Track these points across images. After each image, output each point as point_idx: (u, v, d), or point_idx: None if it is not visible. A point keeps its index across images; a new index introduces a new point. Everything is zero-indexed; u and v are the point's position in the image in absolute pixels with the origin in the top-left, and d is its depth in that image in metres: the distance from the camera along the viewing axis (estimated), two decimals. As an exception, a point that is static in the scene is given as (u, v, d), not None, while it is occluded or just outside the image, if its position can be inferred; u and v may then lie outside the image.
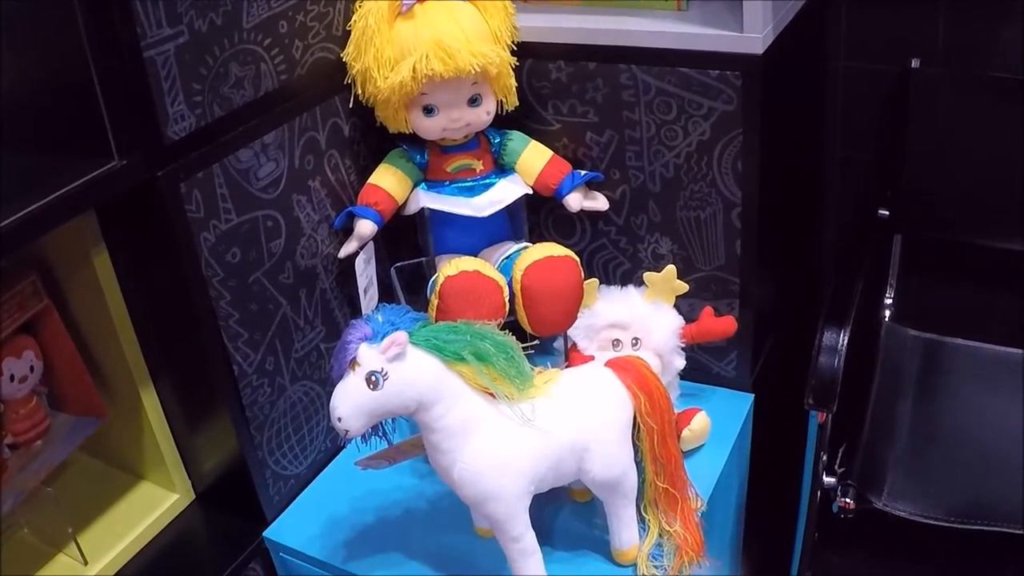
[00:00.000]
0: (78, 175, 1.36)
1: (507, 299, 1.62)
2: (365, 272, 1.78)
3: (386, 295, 1.87)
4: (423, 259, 1.88)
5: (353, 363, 1.36)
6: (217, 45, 1.49)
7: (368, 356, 1.36)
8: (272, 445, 1.74)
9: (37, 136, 1.45)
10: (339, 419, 1.37)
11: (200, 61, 1.47)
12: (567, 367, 1.68)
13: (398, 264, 1.89)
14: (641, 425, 1.51)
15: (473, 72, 1.65)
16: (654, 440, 1.52)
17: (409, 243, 1.90)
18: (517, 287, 1.63)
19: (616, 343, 1.77)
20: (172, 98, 1.44)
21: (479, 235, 1.82)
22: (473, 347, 1.40)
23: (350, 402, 1.36)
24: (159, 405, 1.70)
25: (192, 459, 1.77)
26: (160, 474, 1.77)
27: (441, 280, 1.58)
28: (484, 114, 1.73)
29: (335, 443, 1.88)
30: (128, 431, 1.73)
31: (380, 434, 1.45)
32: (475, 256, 1.74)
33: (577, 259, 1.65)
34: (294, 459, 1.80)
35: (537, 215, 1.92)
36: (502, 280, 1.62)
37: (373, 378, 1.35)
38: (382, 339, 1.36)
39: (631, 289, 1.81)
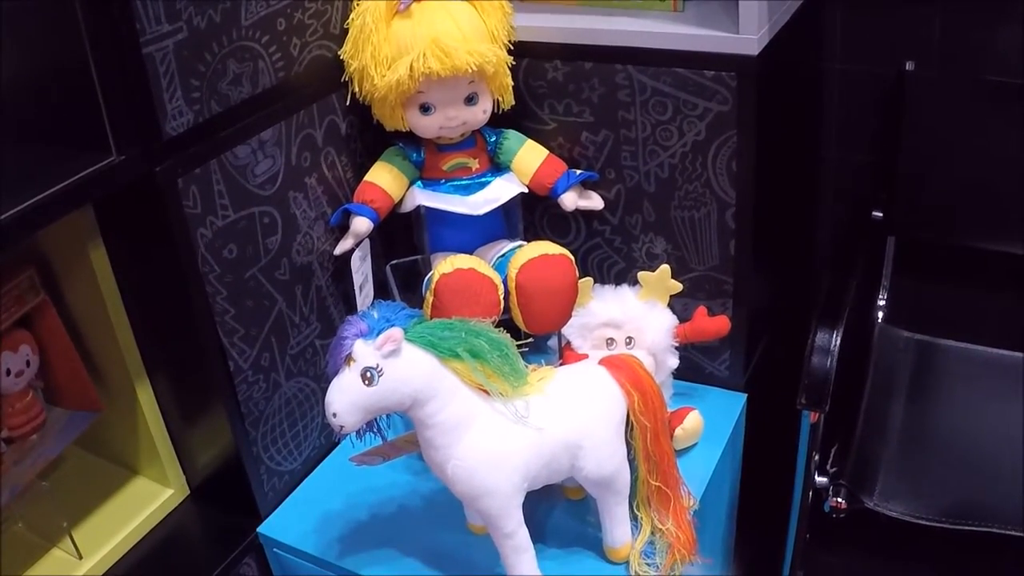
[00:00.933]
0: (76, 170, 1.36)
1: (502, 297, 1.63)
2: (361, 269, 1.79)
3: (381, 292, 1.87)
4: (418, 257, 1.88)
5: (348, 359, 1.37)
6: (216, 42, 1.50)
7: (363, 352, 1.36)
8: (267, 441, 1.75)
9: (36, 130, 1.45)
10: (334, 415, 1.37)
11: (198, 58, 1.48)
12: (561, 365, 1.69)
13: (394, 262, 1.90)
14: (634, 423, 1.52)
15: (470, 71, 1.66)
16: (647, 438, 1.52)
17: (405, 241, 1.91)
18: (512, 285, 1.63)
19: (610, 342, 1.78)
20: (170, 94, 1.44)
21: (474, 233, 1.83)
22: (468, 344, 1.41)
23: (345, 398, 1.37)
24: (154, 400, 1.70)
25: (187, 454, 1.77)
26: (155, 469, 1.77)
27: (436, 277, 1.59)
28: (480, 113, 1.74)
29: (329, 439, 1.89)
30: (123, 426, 1.73)
31: (375, 430, 1.46)
32: (470, 254, 1.75)
33: (572, 257, 1.66)
34: (288, 455, 1.80)
35: (532, 214, 1.93)
36: (497, 278, 1.63)
37: (368, 374, 1.35)
38: (377, 335, 1.36)
39: (625, 288, 1.81)
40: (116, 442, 1.78)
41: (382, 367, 1.36)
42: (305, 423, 1.82)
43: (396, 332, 1.37)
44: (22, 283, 1.57)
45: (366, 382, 1.36)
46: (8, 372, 1.58)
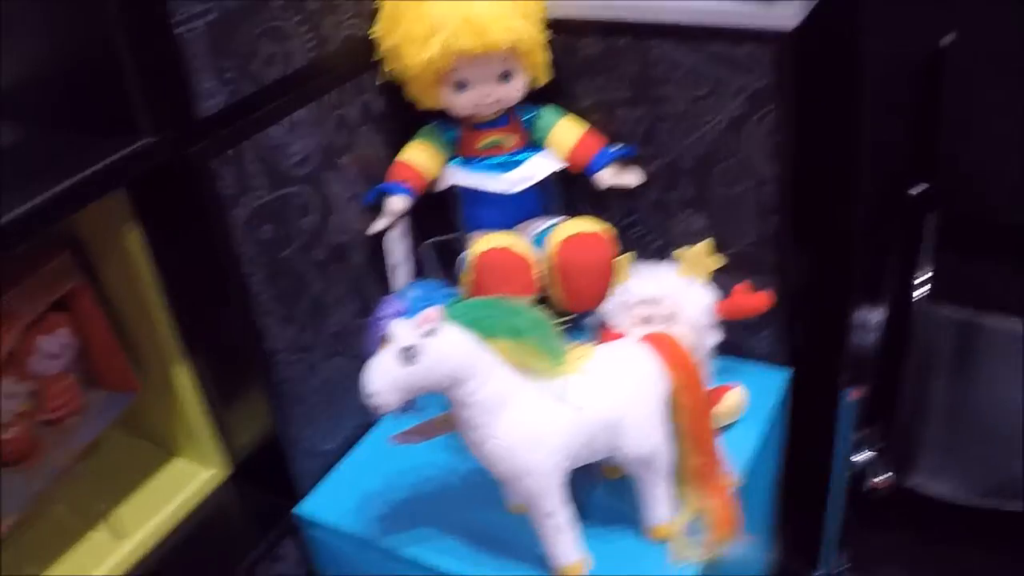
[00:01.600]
0: (109, 153, 1.36)
1: (539, 275, 1.61)
2: (397, 249, 1.78)
3: (418, 272, 1.86)
4: (455, 236, 1.87)
5: (386, 338, 1.36)
6: (247, 22, 1.49)
7: (401, 331, 1.35)
8: (305, 421, 1.74)
9: (67, 114, 1.46)
10: (372, 395, 1.36)
11: (230, 38, 1.47)
12: (599, 344, 1.67)
13: (430, 240, 1.89)
14: (674, 401, 1.51)
15: (504, 48, 1.64)
16: (688, 416, 1.51)
17: (441, 220, 1.89)
18: (551, 263, 1.62)
19: (649, 320, 1.76)
20: (203, 75, 1.44)
21: (511, 211, 1.81)
22: (507, 323, 1.40)
23: (383, 378, 1.36)
24: (193, 381, 1.70)
25: (226, 435, 1.77)
26: (194, 450, 1.77)
27: (474, 256, 1.58)
28: (515, 90, 1.72)
29: (368, 419, 1.88)
30: (162, 407, 1.73)
31: (413, 410, 1.45)
32: (508, 232, 1.74)
33: (610, 234, 1.65)
34: (327, 435, 1.80)
35: (570, 191, 1.91)
36: (535, 256, 1.62)
37: (406, 354, 1.34)
38: (415, 314, 1.36)
39: (664, 265, 1.79)
40: (155, 423, 1.78)
41: (420, 347, 1.35)
42: (343, 403, 1.81)
43: (435, 311, 1.35)
44: (58, 267, 1.57)
45: (404, 362, 1.34)
46: (46, 355, 1.58)
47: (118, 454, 1.81)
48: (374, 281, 1.83)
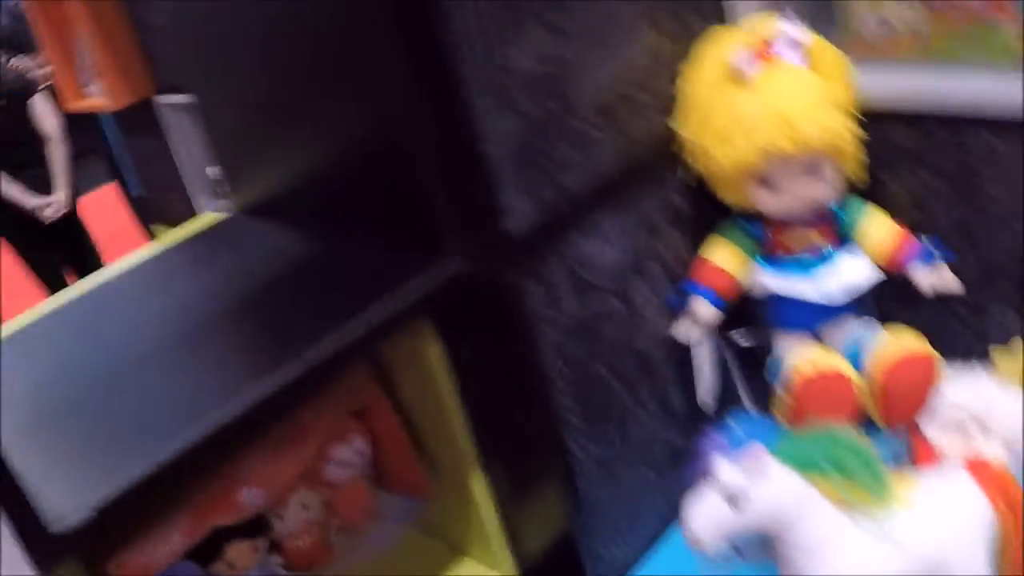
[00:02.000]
0: (418, 278, 1.34)
1: (861, 395, 1.53)
2: (704, 355, 1.72)
3: (723, 371, 1.79)
4: (761, 332, 1.78)
5: (711, 477, 1.30)
6: (552, 131, 1.45)
7: (726, 472, 1.29)
8: (601, 527, 1.70)
9: (372, 236, 1.45)
10: (693, 534, 1.31)
11: (535, 149, 1.44)
12: (915, 460, 1.58)
13: (732, 333, 1.80)
14: (998, 536, 1.40)
15: (820, 148, 1.55)
16: (1012, 552, 1.40)
17: (742, 309, 1.79)
18: (875, 383, 1.52)
19: (963, 429, 1.64)
20: (510, 190, 1.41)
21: (820, 310, 1.70)
22: (832, 457, 1.32)
23: (706, 519, 1.30)
24: (487, 488, 1.66)
25: (518, 539, 1.72)
26: (484, 552, 1.73)
27: (794, 378, 1.50)
28: (828, 188, 1.62)
29: (664, 525, 1.81)
30: (455, 510, 1.70)
31: (733, 547, 1.39)
32: (815, 332, 1.65)
33: (937, 356, 1.54)
34: (623, 542, 1.75)
35: (878, 287, 1.78)
36: (857, 377, 1.53)
37: (731, 495, 1.28)
38: (740, 453, 1.30)
39: (979, 370, 1.67)
40: (447, 524, 1.75)
41: (745, 488, 1.28)
42: (642, 510, 1.75)
43: (761, 451, 1.29)
44: (356, 379, 1.55)
45: (728, 504, 1.29)
46: (340, 463, 1.57)
47: (409, 553, 1.78)
48: (680, 390, 1.77)
